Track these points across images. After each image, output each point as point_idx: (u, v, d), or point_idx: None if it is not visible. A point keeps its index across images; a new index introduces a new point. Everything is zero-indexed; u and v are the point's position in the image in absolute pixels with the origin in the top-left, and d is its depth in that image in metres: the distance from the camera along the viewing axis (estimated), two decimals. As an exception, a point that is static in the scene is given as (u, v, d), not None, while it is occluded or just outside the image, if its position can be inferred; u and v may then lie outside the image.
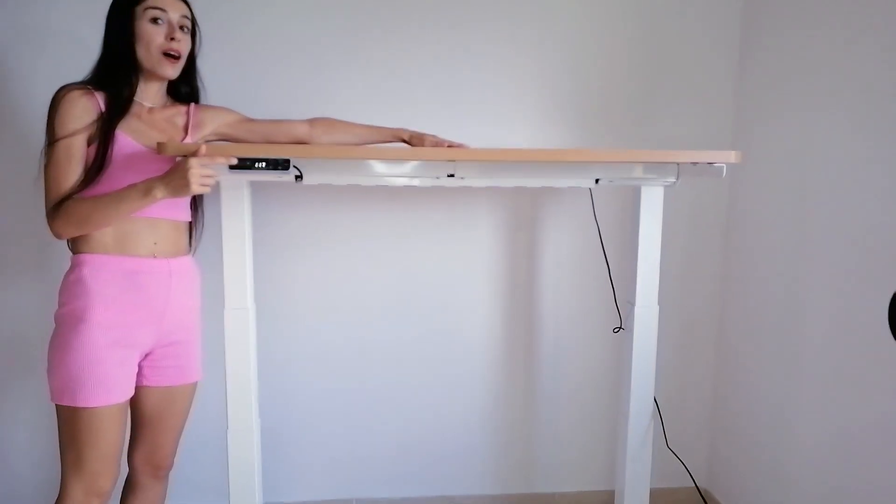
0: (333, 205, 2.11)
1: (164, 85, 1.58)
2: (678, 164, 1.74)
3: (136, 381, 1.56)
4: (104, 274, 1.47)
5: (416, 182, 1.70)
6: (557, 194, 2.18)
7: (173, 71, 1.51)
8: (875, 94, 1.58)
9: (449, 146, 1.71)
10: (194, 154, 1.39)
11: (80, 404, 1.43)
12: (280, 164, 1.50)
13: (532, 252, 2.21)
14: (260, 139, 1.72)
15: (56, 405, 1.46)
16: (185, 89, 1.63)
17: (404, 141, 1.77)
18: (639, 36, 2.13)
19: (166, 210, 1.53)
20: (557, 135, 2.15)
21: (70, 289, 1.47)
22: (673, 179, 1.77)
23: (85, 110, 1.43)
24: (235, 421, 1.74)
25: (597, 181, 1.76)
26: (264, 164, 1.50)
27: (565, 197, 2.19)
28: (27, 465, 2.12)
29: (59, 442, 1.48)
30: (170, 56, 1.48)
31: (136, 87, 1.51)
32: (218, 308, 1.71)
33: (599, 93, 2.14)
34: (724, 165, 1.64)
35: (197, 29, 1.58)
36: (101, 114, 1.44)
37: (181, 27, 1.50)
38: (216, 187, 1.63)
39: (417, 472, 2.28)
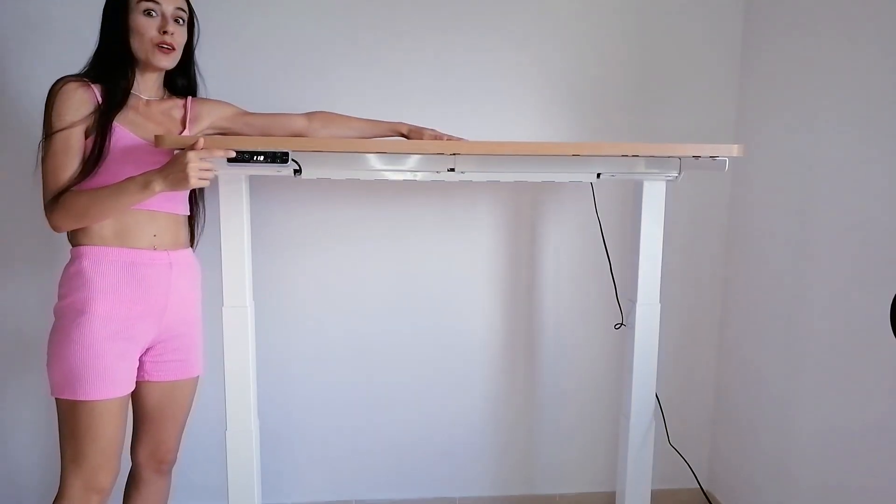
0: (333, 203, 2.10)
1: (161, 77, 1.58)
2: (680, 158, 1.73)
3: (138, 377, 1.56)
4: (104, 265, 1.46)
5: (415, 176, 1.69)
6: (558, 190, 2.17)
7: (167, 61, 1.50)
8: (880, 88, 1.57)
9: (448, 140, 1.71)
10: (192, 147, 1.39)
11: (81, 398, 1.42)
12: (279, 157, 1.49)
13: (533, 249, 2.20)
14: (258, 133, 1.71)
15: (56, 399, 1.45)
16: (182, 82, 1.63)
17: (403, 135, 1.77)
18: (641, 30, 2.12)
19: (165, 203, 1.53)
20: (559, 130, 2.14)
21: (70, 281, 1.46)
22: (675, 174, 1.76)
23: (82, 102, 1.43)
24: (234, 421, 1.72)
25: (598, 176, 1.75)
26: (263, 157, 1.48)
27: (566, 192, 2.17)
28: (28, 462, 2.10)
29: (59, 437, 1.47)
30: (163, 47, 1.47)
31: (133, 80, 1.51)
32: (216, 306, 1.69)
33: (601, 88, 2.13)
34: (727, 159, 1.63)
35: (195, 21, 1.58)
36: (99, 106, 1.44)
37: (176, 19, 1.49)
38: (214, 182, 1.62)
39: (417, 473, 2.26)
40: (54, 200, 1.42)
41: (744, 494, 2.13)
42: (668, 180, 1.79)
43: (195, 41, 1.60)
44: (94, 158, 1.42)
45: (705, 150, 1.60)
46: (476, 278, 2.19)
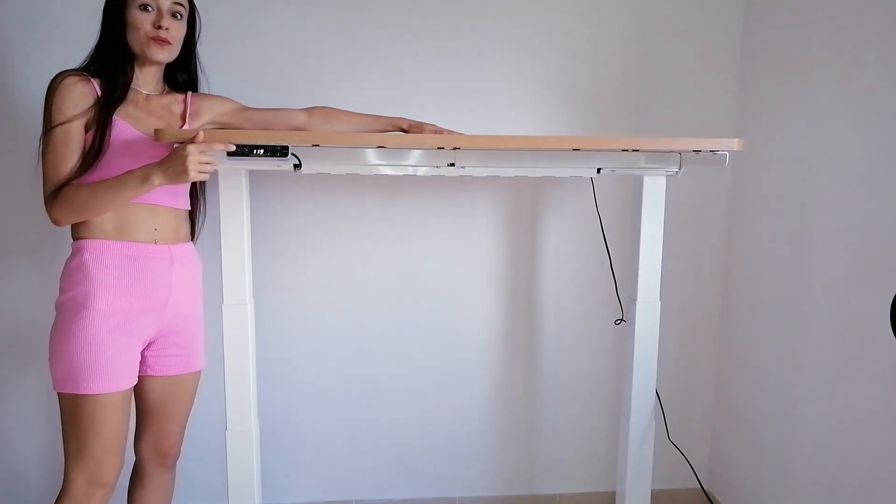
0: (334, 202, 2.10)
1: (161, 71, 1.58)
2: (680, 152, 1.73)
3: (140, 371, 1.56)
4: (106, 259, 1.46)
5: (415, 171, 1.68)
6: (558, 186, 2.17)
7: (163, 55, 1.50)
8: (881, 83, 1.57)
9: (449, 134, 1.71)
10: (192, 141, 1.39)
11: (83, 392, 1.41)
12: (279, 151, 1.49)
13: (533, 247, 2.20)
14: (258, 128, 1.72)
15: (58, 394, 1.45)
16: (182, 77, 1.63)
17: (403, 130, 1.77)
18: (641, 29, 2.13)
19: (166, 197, 1.53)
20: (558, 129, 2.14)
21: (72, 275, 1.46)
22: (675, 169, 1.75)
23: (82, 96, 1.43)
24: (234, 420, 1.72)
25: (598, 171, 1.75)
26: (262, 150, 1.48)
27: (566, 188, 2.17)
28: (31, 457, 2.10)
29: (62, 431, 1.46)
30: (158, 40, 1.47)
31: (133, 74, 1.51)
32: (216, 303, 1.69)
33: (601, 87, 2.13)
34: (727, 153, 1.63)
35: (197, 17, 1.58)
36: (98, 99, 1.44)
37: (174, 14, 1.49)
38: (214, 178, 1.62)
39: (417, 473, 2.25)
40: (54, 194, 1.42)
41: (744, 493, 2.12)
42: (668, 175, 1.79)
43: (196, 37, 1.60)
44: (94, 152, 1.42)
45: (706, 144, 1.60)
46: (476, 277, 2.18)
